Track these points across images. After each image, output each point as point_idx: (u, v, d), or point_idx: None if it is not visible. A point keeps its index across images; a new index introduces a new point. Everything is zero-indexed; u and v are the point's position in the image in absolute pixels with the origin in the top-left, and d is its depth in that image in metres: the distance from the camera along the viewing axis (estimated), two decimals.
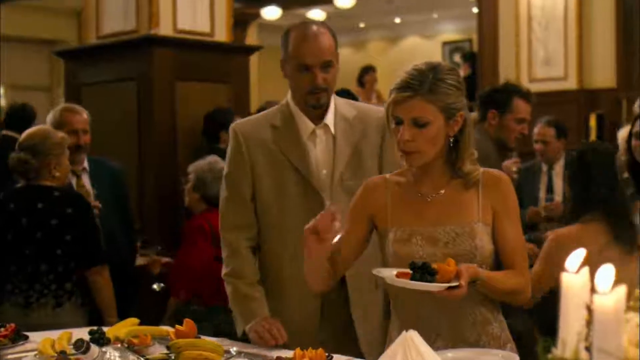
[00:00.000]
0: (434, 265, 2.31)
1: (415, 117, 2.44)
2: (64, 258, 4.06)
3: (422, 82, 2.43)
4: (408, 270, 2.34)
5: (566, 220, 3.79)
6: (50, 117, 4.83)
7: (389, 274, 2.38)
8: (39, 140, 4.14)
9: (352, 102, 3.27)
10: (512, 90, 4.61)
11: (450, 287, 2.28)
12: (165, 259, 5.02)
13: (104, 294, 4.18)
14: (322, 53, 2.95)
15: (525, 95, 4.55)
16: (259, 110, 4.52)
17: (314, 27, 2.99)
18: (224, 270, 3.09)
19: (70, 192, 4.21)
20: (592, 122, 9.10)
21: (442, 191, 2.56)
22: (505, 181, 2.60)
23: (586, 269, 1.34)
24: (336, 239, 2.37)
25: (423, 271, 2.30)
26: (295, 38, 2.98)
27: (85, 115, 4.86)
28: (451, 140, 2.52)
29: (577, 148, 3.86)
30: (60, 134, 4.26)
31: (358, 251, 2.64)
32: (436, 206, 2.55)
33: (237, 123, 3.17)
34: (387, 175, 2.66)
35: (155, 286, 4.87)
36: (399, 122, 2.47)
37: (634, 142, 4.06)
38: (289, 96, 3.10)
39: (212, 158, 5.09)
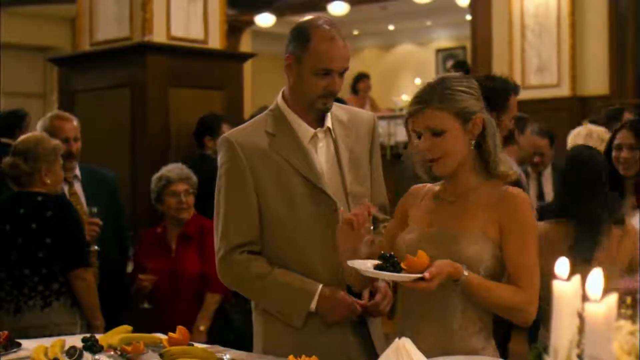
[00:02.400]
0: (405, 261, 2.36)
1: (430, 127, 2.53)
2: (47, 261, 4.06)
3: (432, 94, 2.53)
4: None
5: (552, 215, 3.80)
6: (40, 125, 4.81)
7: (363, 263, 2.45)
8: (32, 145, 4.15)
9: (342, 105, 3.15)
10: (508, 88, 4.34)
11: (417, 279, 2.31)
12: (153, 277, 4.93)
13: (87, 297, 4.16)
14: (346, 59, 2.84)
15: (517, 90, 4.19)
16: (252, 117, 4.44)
17: (335, 30, 2.84)
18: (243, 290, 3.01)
19: (52, 196, 4.18)
20: None
21: (459, 199, 2.59)
22: (520, 199, 2.56)
23: (578, 277, 1.35)
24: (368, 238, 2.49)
25: (387, 262, 2.36)
26: (320, 39, 2.80)
27: (75, 122, 4.83)
28: (473, 144, 2.55)
29: (572, 150, 3.89)
30: (55, 142, 4.26)
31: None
32: (446, 211, 2.59)
33: (229, 133, 2.98)
34: (431, 185, 2.73)
35: (145, 304, 4.81)
36: (419, 136, 2.56)
37: (614, 153, 4.03)
38: (279, 100, 2.94)
39: (179, 164, 5.06)
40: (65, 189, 4.77)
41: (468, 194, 2.58)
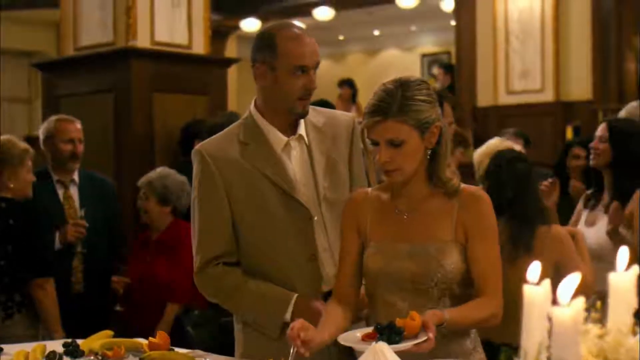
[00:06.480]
0: (400, 322, 2.30)
1: (390, 139, 2.46)
2: (9, 269, 3.99)
3: (391, 104, 2.45)
4: (371, 331, 2.35)
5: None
6: (44, 127, 4.87)
7: (354, 336, 2.39)
8: None
9: (318, 108, 3.05)
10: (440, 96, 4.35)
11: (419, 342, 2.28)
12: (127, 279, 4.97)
13: (46, 308, 4.08)
14: (317, 53, 2.81)
15: (450, 100, 4.22)
16: (214, 127, 4.39)
17: (298, 28, 2.83)
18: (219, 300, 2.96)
19: (17, 203, 4.11)
20: (569, 133, 9.18)
21: (419, 208, 2.56)
22: (484, 200, 2.56)
23: (548, 280, 1.37)
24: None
25: (390, 332, 2.30)
26: (288, 38, 2.78)
27: (79, 124, 4.91)
28: (428, 153, 2.53)
29: (497, 153, 3.97)
30: (23, 146, 4.19)
31: (360, 269, 2.65)
32: (412, 223, 2.56)
33: (201, 145, 2.93)
34: (369, 190, 2.68)
35: (117, 307, 4.82)
36: (375, 144, 2.49)
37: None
38: (252, 109, 2.91)
39: (162, 169, 5.10)
40: (60, 192, 4.80)
41: (426, 201, 2.56)
